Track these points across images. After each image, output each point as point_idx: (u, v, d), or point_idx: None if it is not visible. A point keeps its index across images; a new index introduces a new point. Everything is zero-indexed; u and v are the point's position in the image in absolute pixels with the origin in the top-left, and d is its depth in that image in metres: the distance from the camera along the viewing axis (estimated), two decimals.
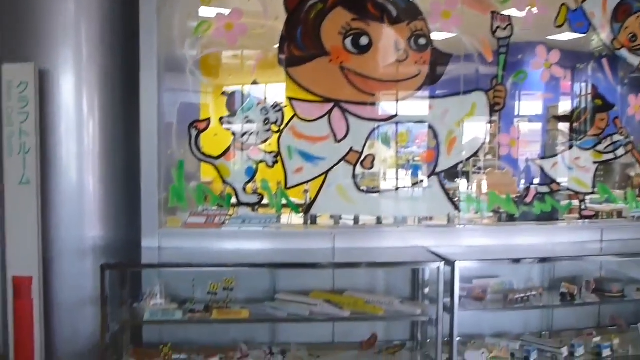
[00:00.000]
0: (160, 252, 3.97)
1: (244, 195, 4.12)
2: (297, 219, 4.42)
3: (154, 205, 3.99)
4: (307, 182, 4.17)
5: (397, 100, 4.22)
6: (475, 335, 4.03)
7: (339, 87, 4.09)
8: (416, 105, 4.28)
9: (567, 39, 4.53)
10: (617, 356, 3.96)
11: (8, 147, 3.62)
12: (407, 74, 4.18)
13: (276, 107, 4.09)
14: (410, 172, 4.76)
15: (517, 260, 3.99)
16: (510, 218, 4.52)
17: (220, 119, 4.12)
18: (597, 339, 4.03)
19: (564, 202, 4.58)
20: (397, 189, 4.47)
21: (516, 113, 4.78)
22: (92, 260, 3.78)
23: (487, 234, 4.43)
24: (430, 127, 4.27)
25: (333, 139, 4.12)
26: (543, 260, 4.10)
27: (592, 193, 4.59)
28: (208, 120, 4.10)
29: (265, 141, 4.11)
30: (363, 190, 4.23)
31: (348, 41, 4.05)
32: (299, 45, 4.04)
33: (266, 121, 4.09)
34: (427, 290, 3.95)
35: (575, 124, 4.66)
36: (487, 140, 4.47)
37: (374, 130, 4.22)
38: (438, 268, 3.64)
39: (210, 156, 4.09)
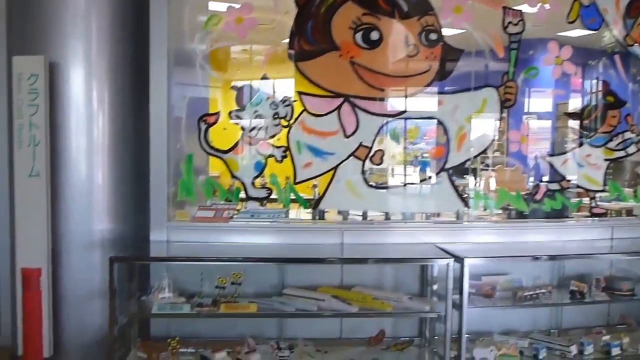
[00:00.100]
0: (168, 246, 3.98)
1: (253, 190, 4.11)
2: (305, 214, 4.41)
3: (162, 199, 4.00)
4: (316, 177, 4.15)
5: (407, 96, 4.20)
6: (483, 333, 4.02)
7: (349, 82, 4.07)
8: (426, 101, 4.26)
9: (577, 35, 4.49)
10: (626, 355, 3.94)
11: (18, 139, 3.63)
12: (417, 69, 4.16)
13: (285, 101, 4.07)
14: (418, 168, 4.73)
15: (534, 258, 3.94)
16: (520, 215, 4.49)
17: (230, 113, 4.11)
18: (606, 338, 4.01)
19: (574, 200, 4.54)
20: (404, 184, 4.45)
21: (526, 109, 4.73)
22: (101, 253, 3.78)
23: (495, 231, 4.40)
24: (440, 123, 4.25)
25: (342, 134, 4.10)
26: (554, 257, 4.07)
27: (603, 191, 4.55)
28: (217, 114, 4.10)
29: (274, 136, 4.10)
30: (372, 186, 4.21)
31: (358, 36, 4.03)
32: (309, 40, 4.02)
33: (275, 115, 4.07)
34: (435, 286, 3.94)
35: (586, 121, 4.61)
36: (497, 136, 4.44)
37: (383, 125, 4.20)
38: (447, 265, 3.62)
39: (219, 150, 4.09)
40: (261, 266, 3.97)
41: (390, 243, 4.16)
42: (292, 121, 4.09)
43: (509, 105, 4.27)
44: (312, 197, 4.29)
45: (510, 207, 4.51)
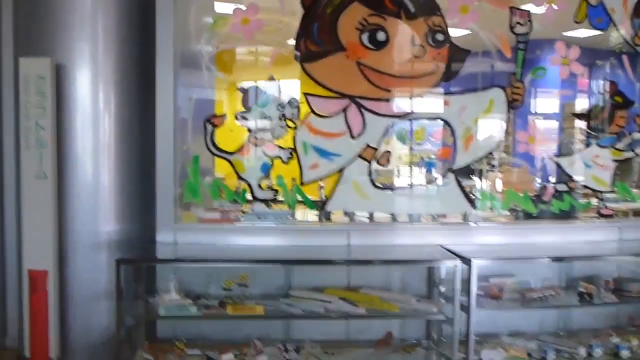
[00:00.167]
0: (175, 247, 3.97)
1: (259, 191, 4.10)
2: (311, 215, 4.40)
3: (169, 200, 4.00)
4: (323, 178, 4.14)
5: (414, 97, 4.18)
6: (490, 335, 4.00)
7: (356, 83, 4.06)
8: (433, 102, 4.24)
9: (583, 35, 4.46)
10: (636, 357, 3.91)
11: (25, 141, 3.63)
12: (424, 70, 4.15)
13: (292, 102, 4.06)
14: (425, 169, 4.71)
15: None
16: (527, 216, 4.47)
17: (236, 114, 4.11)
18: (615, 340, 3.98)
19: (582, 201, 4.51)
20: (411, 185, 4.42)
21: (532, 110, 4.71)
22: (107, 255, 3.78)
23: (502, 232, 4.38)
24: (447, 124, 4.23)
25: (349, 135, 4.09)
26: (563, 259, 4.03)
27: (611, 192, 4.52)
28: (224, 115, 4.10)
29: (280, 137, 4.09)
30: (379, 187, 4.20)
31: (365, 37, 4.02)
32: (315, 41, 4.02)
33: (282, 117, 4.07)
34: (442, 288, 3.92)
35: (594, 122, 4.58)
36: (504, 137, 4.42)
37: (390, 126, 4.19)
38: (455, 266, 3.60)
39: (225, 152, 4.09)
40: (268, 268, 3.96)
41: (397, 244, 4.14)
42: (298, 122, 4.08)
43: (517, 105, 4.25)
44: (318, 199, 4.28)
45: (518, 208, 4.49)
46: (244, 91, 4.15)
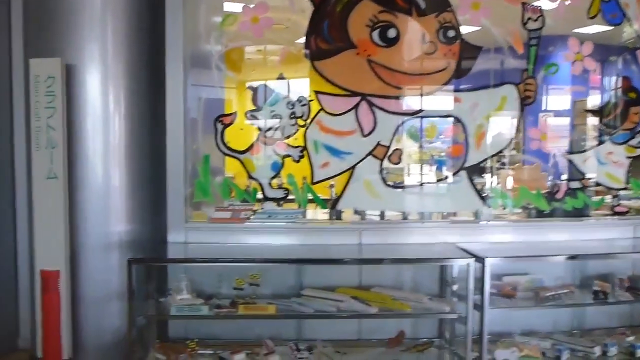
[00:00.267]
0: (186, 247, 3.97)
1: (270, 190, 4.08)
2: (321, 214, 4.38)
3: (179, 200, 3.99)
4: (334, 177, 4.11)
5: (426, 94, 4.15)
6: (503, 334, 3.97)
7: (366, 80, 4.03)
8: (444, 99, 4.20)
9: (594, 31, 4.41)
10: None
11: (35, 141, 3.62)
12: (435, 67, 4.11)
13: (302, 101, 4.04)
14: (436, 167, 4.68)
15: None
16: (539, 214, 4.43)
17: (246, 113, 4.09)
18: (630, 339, 3.95)
19: (596, 198, 4.46)
20: (421, 184, 4.39)
21: (546, 107, 4.67)
22: (118, 255, 3.77)
23: (514, 230, 4.35)
24: (459, 121, 4.19)
25: (360, 133, 4.07)
26: (578, 257, 3.97)
27: (625, 189, 4.47)
28: (234, 114, 4.08)
29: (291, 135, 4.07)
30: (390, 186, 4.17)
31: (375, 34, 3.99)
32: (325, 38, 3.99)
33: (292, 115, 4.05)
34: (455, 287, 3.89)
35: (607, 118, 4.53)
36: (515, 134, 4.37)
37: (401, 124, 4.16)
38: (468, 265, 3.57)
39: (235, 151, 4.07)
40: (279, 267, 3.94)
41: (409, 243, 4.11)
42: (308, 121, 4.05)
43: (529, 102, 4.21)
44: (329, 198, 4.26)
45: (530, 206, 4.45)
46: (254, 90, 4.13)
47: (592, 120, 4.64)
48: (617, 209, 4.46)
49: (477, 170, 4.30)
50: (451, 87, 4.18)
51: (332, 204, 4.19)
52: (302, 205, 4.11)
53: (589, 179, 4.44)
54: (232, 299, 3.70)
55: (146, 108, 3.94)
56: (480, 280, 3.56)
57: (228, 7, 4.12)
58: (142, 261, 3.64)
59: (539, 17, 4.13)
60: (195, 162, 4.07)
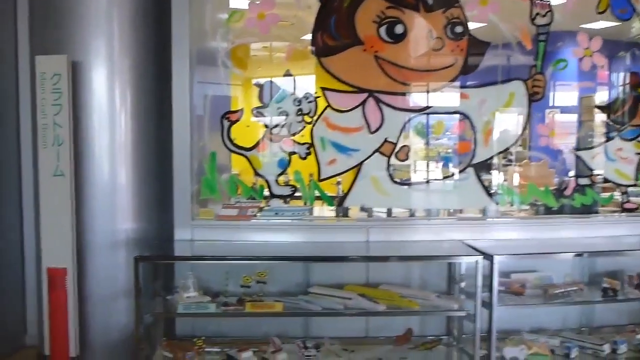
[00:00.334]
0: (192, 245, 3.96)
1: (277, 187, 4.07)
2: (327, 211, 4.36)
3: (186, 197, 3.98)
4: (341, 174, 4.10)
5: (433, 90, 4.13)
6: (511, 331, 3.94)
7: (374, 77, 4.01)
8: (452, 95, 4.17)
9: (604, 26, 4.37)
10: None
11: (42, 139, 3.61)
12: (443, 63, 4.08)
13: (309, 97, 4.02)
14: (443, 163, 4.66)
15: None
16: (547, 211, 4.40)
17: (252, 110, 4.08)
18: None
19: (605, 195, 4.43)
20: (427, 181, 4.36)
21: (553, 103, 4.64)
22: (125, 253, 3.77)
23: (522, 227, 4.31)
24: (467, 117, 4.16)
25: (367, 130, 4.04)
26: (588, 254, 3.94)
27: (635, 185, 4.43)
28: (240, 111, 4.06)
29: (297, 132, 4.05)
30: (397, 183, 4.15)
31: (382, 30, 3.97)
32: (332, 35, 3.97)
33: (299, 112, 4.03)
34: (463, 284, 3.87)
35: (616, 114, 4.50)
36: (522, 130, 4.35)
37: (409, 121, 4.14)
38: (476, 262, 3.54)
39: (242, 148, 4.06)
40: (286, 264, 3.93)
41: (417, 240, 4.09)
42: (315, 117, 4.03)
43: (537, 98, 4.18)
44: (336, 195, 4.24)
45: (538, 203, 4.42)
46: (260, 87, 4.11)
47: (601, 117, 4.60)
48: (627, 206, 4.43)
49: (484, 167, 4.28)
50: (459, 83, 4.14)
51: (339, 201, 4.17)
52: (309, 202, 4.10)
53: (598, 175, 4.40)
54: (239, 297, 3.69)
55: (152, 105, 3.93)
56: (488, 278, 3.54)
57: (234, 3, 4.10)
58: (149, 259, 3.63)
59: (547, 12, 4.10)
60: (202, 159, 4.05)
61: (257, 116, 4.10)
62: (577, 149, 4.46)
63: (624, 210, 4.43)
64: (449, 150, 4.59)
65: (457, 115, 4.22)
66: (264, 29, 3.95)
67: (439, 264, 4.07)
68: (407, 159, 4.13)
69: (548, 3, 4.09)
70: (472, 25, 4.07)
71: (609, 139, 4.44)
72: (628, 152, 4.40)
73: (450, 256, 3.83)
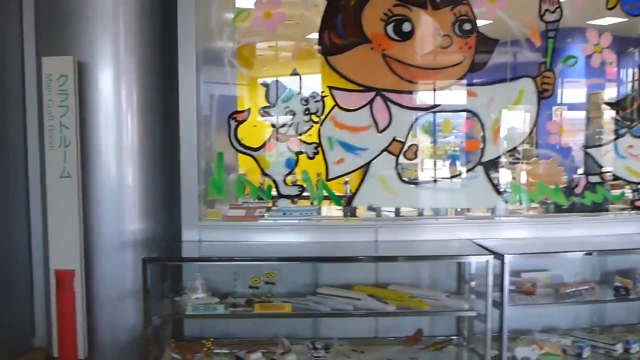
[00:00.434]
0: (200, 246, 3.94)
1: (284, 187, 4.05)
2: (335, 211, 4.33)
3: (193, 198, 3.96)
4: (349, 173, 4.07)
5: (441, 89, 4.09)
6: (522, 331, 3.91)
7: (381, 75, 3.98)
8: (460, 93, 4.14)
9: (613, 22, 4.32)
10: None
11: (49, 140, 3.61)
12: (451, 60, 4.05)
13: (316, 96, 4.00)
14: (451, 162, 4.63)
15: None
16: (556, 209, 4.36)
17: (259, 110, 4.05)
18: None
19: (616, 192, 4.39)
20: (435, 180, 4.32)
21: (561, 100, 4.59)
22: (133, 254, 3.76)
23: (531, 226, 4.27)
24: (475, 115, 4.13)
25: (375, 129, 4.02)
26: (600, 253, 3.92)
27: None
28: (247, 111, 4.04)
29: (305, 132, 4.02)
30: (406, 182, 4.12)
31: (390, 28, 3.94)
32: (339, 33, 3.94)
33: (306, 111, 4.00)
34: (473, 284, 3.83)
35: (626, 111, 4.45)
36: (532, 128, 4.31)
37: (417, 119, 4.11)
38: (487, 262, 3.51)
39: (249, 148, 4.04)
40: (294, 265, 3.90)
41: (426, 240, 4.06)
42: (323, 117, 4.01)
43: (547, 95, 4.14)
44: (344, 194, 4.21)
45: (548, 201, 4.38)
46: (267, 86, 4.08)
47: (610, 113, 4.56)
48: (638, 203, 4.38)
49: (493, 165, 4.24)
50: (467, 81, 4.11)
51: (347, 201, 4.14)
52: (316, 202, 4.07)
53: (608, 172, 4.36)
54: (248, 298, 3.67)
55: (159, 105, 3.92)
56: (499, 277, 3.50)
57: (240, 2, 4.08)
58: (157, 260, 3.63)
59: (556, 8, 4.05)
60: (209, 159, 4.04)
61: (263, 116, 4.08)
62: (587, 146, 4.41)
63: (635, 207, 4.38)
64: (456, 149, 4.56)
65: (465, 114, 4.18)
66: (270, 28, 3.93)
67: (449, 264, 4.04)
68: (415, 158, 4.11)
69: None
70: (480, 22, 4.04)
71: (619, 135, 4.39)
72: (639, 149, 4.35)
73: (461, 256, 3.80)
